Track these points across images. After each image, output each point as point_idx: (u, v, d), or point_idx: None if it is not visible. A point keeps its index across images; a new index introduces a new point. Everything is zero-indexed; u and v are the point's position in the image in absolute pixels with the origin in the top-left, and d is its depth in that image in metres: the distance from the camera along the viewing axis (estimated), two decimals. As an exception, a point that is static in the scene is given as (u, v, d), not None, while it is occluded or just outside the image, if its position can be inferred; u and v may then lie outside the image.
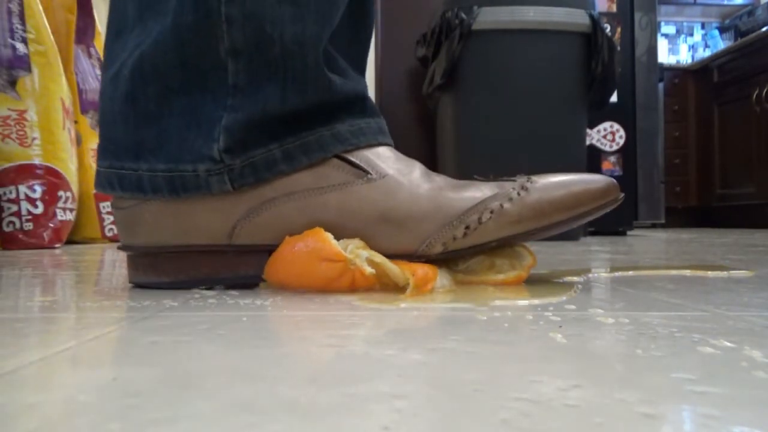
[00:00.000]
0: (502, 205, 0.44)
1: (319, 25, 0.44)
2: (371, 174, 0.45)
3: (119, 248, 0.48)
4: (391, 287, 0.43)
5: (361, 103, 0.48)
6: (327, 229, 0.43)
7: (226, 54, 0.43)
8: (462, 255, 0.45)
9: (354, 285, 0.42)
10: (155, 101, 0.44)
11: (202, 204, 0.44)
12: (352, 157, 0.45)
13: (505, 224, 0.44)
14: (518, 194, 0.44)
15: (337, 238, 0.43)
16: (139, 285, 0.47)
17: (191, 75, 0.44)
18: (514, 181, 0.46)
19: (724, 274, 0.54)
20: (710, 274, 0.55)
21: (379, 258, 0.42)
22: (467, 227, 0.44)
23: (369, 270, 0.41)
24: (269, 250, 0.44)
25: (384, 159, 0.46)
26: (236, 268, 0.45)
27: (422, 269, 0.42)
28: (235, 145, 0.43)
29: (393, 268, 0.42)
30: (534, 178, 0.46)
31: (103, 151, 0.47)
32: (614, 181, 0.47)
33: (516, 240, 0.45)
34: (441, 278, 0.43)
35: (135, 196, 0.45)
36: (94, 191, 1.53)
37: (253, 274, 0.45)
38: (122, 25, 0.46)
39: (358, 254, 0.42)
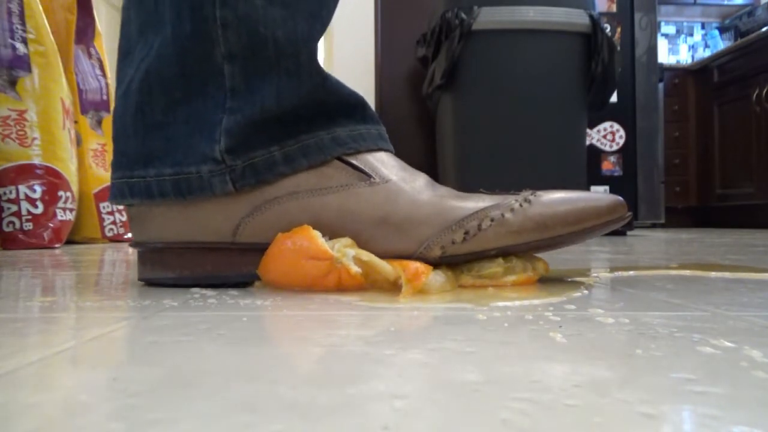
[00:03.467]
0: (503, 215, 0.44)
1: (309, 24, 0.46)
2: (374, 178, 0.45)
3: (131, 246, 0.49)
4: (384, 286, 0.43)
5: (362, 110, 0.49)
6: (327, 229, 0.43)
7: (223, 58, 0.44)
8: (460, 261, 0.45)
9: (341, 284, 0.42)
10: (161, 111, 0.46)
11: (208, 202, 0.45)
12: (354, 161, 0.46)
13: (504, 233, 0.44)
14: (520, 205, 0.45)
15: (337, 237, 0.43)
16: (146, 281, 0.49)
17: (192, 83, 0.45)
18: (518, 194, 0.46)
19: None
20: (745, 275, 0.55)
21: (366, 256, 0.42)
22: (466, 232, 0.44)
23: (355, 269, 0.41)
24: None
25: (387, 165, 0.47)
26: (239, 267, 0.46)
27: (414, 264, 0.42)
28: (236, 145, 0.44)
29: (383, 264, 0.42)
30: (539, 192, 0.46)
31: (115, 165, 0.49)
32: (621, 199, 0.47)
33: (516, 250, 0.45)
34: (436, 276, 0.42)
35: (144, 201, 0.47)
36: (94, 191, 1.53)
37: (255, 273, 0.46)
38: (128, 45, 0.48)
39: (345, 253, 0.42)
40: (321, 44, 2.38)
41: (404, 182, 0.46)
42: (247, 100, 0.44)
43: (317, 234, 0.42)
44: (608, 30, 1.88)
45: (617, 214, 0.46)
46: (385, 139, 0.50)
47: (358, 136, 0.47)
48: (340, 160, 0.46)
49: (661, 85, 2.19)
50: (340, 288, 0.42)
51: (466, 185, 1.53)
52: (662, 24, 3.62)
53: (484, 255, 0.44)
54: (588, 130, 1.79)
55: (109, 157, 1.61)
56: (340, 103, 0.47)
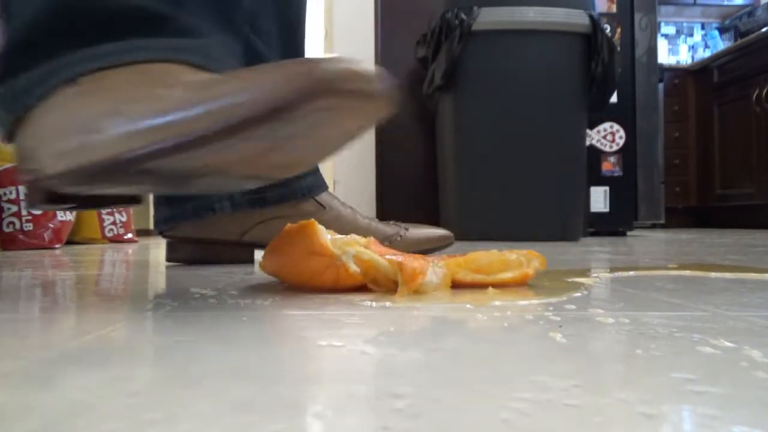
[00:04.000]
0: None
1: None
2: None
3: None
4: (385, 285, 0.43)
5: (153, 24, 0.41)
6: None
7: None
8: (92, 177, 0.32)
9: (338, 281, 0.42)
10: None
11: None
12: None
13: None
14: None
15: None
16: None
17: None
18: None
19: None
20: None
21: (367, 255, 0.42)
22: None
23: (354, 268, 0.41)
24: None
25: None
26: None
27: (411, 266, 0.41)
28: (2, 74, 0.44)
29: (383, 264, 0.42)
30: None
31: None
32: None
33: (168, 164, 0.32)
34: (432, 275, 0.42)
35: None
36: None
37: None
38: None
39: (346, 251, 0.42)
40: (321, 45, 2.37)
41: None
42: (9, 23, 0.44)
43: (321, 230, 0.42)
44: (608, 30, 1.88)
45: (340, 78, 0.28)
46: (187, 50, 0.40)
47: (130, 47, 0.40)
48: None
49: (661, 86, 2.19)
50: (338, 285, 0.42)
51: (467, 185, 1.53)
52: (662, 24, 3.62)
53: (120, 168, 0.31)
54: (588, 131, 1.79)
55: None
56: (113, 18, 0.42)
